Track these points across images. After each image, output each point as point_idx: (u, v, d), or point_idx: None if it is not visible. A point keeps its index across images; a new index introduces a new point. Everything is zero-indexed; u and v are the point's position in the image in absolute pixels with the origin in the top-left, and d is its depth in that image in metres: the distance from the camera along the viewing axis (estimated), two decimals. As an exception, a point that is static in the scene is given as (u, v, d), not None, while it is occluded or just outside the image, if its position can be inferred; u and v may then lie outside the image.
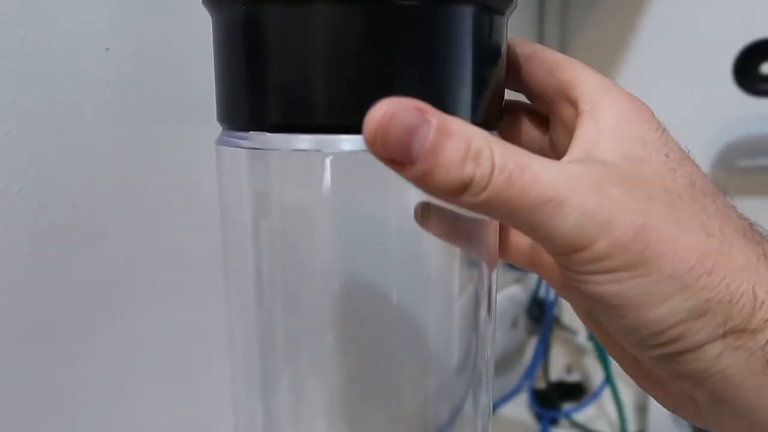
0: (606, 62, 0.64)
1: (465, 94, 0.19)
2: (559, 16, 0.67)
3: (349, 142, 0.18)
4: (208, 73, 0.21)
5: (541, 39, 0.68)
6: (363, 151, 0.19)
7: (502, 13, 0.20)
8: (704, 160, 0.58)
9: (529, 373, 0.61)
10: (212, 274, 0.32)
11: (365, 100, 0.18)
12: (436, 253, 0.25)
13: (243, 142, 0.19)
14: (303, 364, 0.26)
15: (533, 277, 0.65)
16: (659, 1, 0.60)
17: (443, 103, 0.18)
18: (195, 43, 0.29)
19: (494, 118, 0.20)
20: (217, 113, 0.20)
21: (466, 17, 0.18)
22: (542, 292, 0.63)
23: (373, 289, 0.25)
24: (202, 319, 0.33)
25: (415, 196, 0.24)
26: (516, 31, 0.20)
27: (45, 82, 0.25)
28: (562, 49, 0.67)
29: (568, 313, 0.64)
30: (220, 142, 0.21)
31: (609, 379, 0.53)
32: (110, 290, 0.29)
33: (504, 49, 0.20)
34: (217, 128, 0.21)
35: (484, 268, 0.24)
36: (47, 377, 0.27)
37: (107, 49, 0.27)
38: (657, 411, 0.49)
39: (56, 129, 0.26)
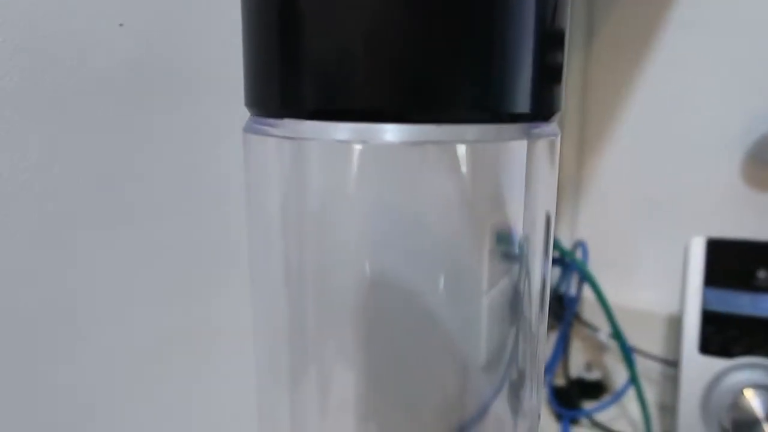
0: (635, 50, 0.62)
1: (525, 78, 0.17)
2: (586, 1, 0.64)
3: (393, 132, 0.16)
4: (232, 52, 0.19)
5: (567, 24, 0.65)
6: (410, 142, 0.17)
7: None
8: (737, 151, 0.56)
9: (549, 369, 0.59)
10: (225, 269, 0.31)
11: (414, 83, 0.16)
12: (470, 248, 0.23)
13: (274, 130, 0.17)
14: (330, 358, 0.25)
15: (554, 272, 0.63)
16: (694, -15, 0.58)
17: (501, 86, 0.16)
18: (217, 17, 0.27)
19: (555, 107, 0.18)
20: (245, 97, 0.18)
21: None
22: (563, 288, 0.61)
23: (402, 284, 0.23)
24: (214, 316, 0.32)
25: (451, 189, 0.22)
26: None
27: (54, 61, 0.23)
28: (589, 34, 0.65)
29: (589, 309, 0.62)
30: (249, 129, 0.19)
31: (634, 379, 0.51)
32: (113, 287, 0.27)
33: (568, 30, 0.18)
34: (241, 111, 0.19)
35: (536, 260, 0.22)
36: (46, 376, 0.26)
37: (121, 25, 0.25)
38: (687, 411, 0.47)
39: (66, 110, 0.24)
